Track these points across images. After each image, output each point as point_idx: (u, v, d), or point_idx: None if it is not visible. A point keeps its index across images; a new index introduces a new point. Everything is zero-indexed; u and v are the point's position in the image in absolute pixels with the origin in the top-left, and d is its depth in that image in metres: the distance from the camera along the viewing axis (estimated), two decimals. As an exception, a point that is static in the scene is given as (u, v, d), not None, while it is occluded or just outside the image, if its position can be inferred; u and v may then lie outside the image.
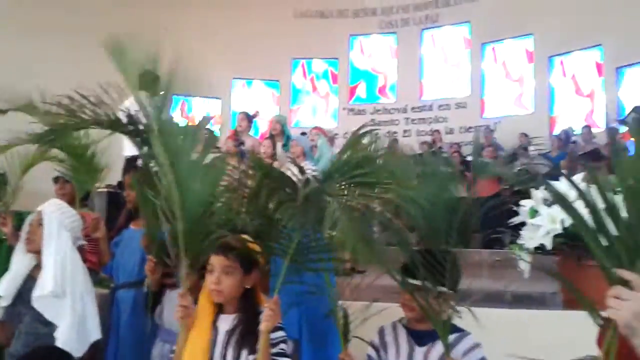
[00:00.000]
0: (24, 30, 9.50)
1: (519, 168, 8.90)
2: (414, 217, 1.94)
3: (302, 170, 2.03)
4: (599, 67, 10.40)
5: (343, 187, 1.98)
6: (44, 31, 9.59)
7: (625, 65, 9.88)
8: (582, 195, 1.30)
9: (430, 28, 12.48)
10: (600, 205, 1.29)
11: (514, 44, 11.63)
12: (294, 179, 2.05)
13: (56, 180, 3.69)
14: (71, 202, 3.17)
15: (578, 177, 2.80)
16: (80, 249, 2.81)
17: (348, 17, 12.68)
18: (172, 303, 2.45)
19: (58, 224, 2.64)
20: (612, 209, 1.25)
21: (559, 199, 1.45)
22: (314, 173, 5.04)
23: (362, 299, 2.41)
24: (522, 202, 2.85)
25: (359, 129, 2.10)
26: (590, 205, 1.29)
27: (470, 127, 11.60)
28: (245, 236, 2.11)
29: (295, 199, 1.90)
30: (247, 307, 2.01)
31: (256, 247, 2.08)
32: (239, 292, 2.01)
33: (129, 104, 2.99)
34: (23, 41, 9.42)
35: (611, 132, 8.73)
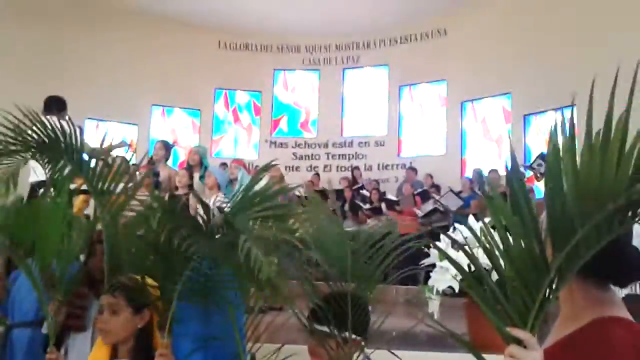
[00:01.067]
0: None
1: (432, 206, 9.26)
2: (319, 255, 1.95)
3: (204, 205, 1.98)
4: (507, 114, 11.09)
5: (253, 220, 1.95)
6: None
7: (532, 113, 10.60)
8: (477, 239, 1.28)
9: (351, 68, 12.87)
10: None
11: (429, 88, 12.22)
12: (200, 212, 1.99)
13: None
14: None
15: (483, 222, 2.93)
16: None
17: (272, 51, 12.83)
18: (79, 347, 2.30)
19: None
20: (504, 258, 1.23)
21: (460, 247, 1.47)
22: (224, 206, 4.97)
23: (277, 339, 2.34)
24: (432, 244, 2.93)
25: (267, 165, 2.11)
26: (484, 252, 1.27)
27: (387, 165, 11.96)
28: (147, 278, 2.03)
29: (201, 232, 1.84)
30: (137, 350, 1.92)
31: (151, 284, 2.01)
32: (129, 332, 1.92)
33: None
34: None
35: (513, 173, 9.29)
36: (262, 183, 6.08)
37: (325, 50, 12.85)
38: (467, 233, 2.98)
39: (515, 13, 10.47)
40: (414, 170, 10.96)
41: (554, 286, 1.17)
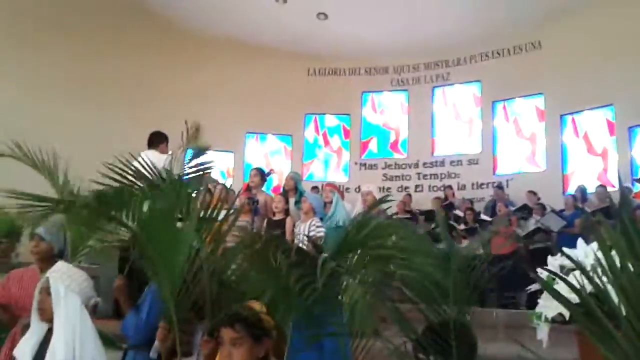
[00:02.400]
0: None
1: (534, 226, 8.83)
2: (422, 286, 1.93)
3: (318, 249, 2.01)
4: (610, 125, 10.42)
5: (355, 260, 1.96)
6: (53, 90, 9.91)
7: (637, 125, 9.90)
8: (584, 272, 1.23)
9: (441, 86, 12.68)
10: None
11: (524, 103, 11.75)
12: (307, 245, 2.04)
13: (32, 237, 3.59)
14: (44, 261, 3.28)
15: (594, 246, 2.75)
16: (95, 307, 2.81)
17: (360, 74, 12.96)
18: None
19: (65, 288, 2.63)
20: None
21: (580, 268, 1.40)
22: (319, 232, 5.01)
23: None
24: (539, 270, 2.78)
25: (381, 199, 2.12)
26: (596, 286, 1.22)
27: (482, 184, 11.59)
28: (255, 303, 2.08)
29: (314, 277, 1.87)
30: None
31: (266, 316, 2.05)
32: None
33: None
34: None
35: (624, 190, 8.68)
36: (357, 207, 6.13)
37: (413, 70, 12.78)
38: (577, 256, 2.82)
39: (612, 21, 9.89)
40: (500, 188, 10.57)
41: None
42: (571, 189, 10.15)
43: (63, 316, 2.54)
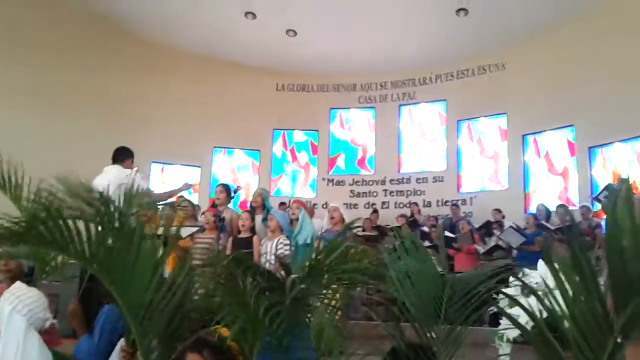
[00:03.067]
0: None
1: (493, 244, 9.00)
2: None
3: (287, 271, 2.01)
4: (571, 146, 10.75)
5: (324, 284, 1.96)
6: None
7: (597, 145, 10.24)
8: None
9: (407, 104, 12.90)
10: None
11: (488, 122, 12.04)
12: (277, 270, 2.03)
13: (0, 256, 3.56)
14: (14, 279, 3.25)
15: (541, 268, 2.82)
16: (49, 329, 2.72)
17: (328, 91, 13.07)
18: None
19: (10, 310, 2.57)
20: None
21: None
22: (287, 250, 5.00)
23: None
24: (502, 289, 2.84)
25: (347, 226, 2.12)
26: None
27: (447, 201, 11.77)
28: (222, 329, 2.06)
29: (283, 300, 1.87)
30: None
31: (232, 342, 2.03)
32: None
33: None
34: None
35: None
36: (323, 223, 6.14)
37: (380, 88, 12.98)
38: (537, 278, 2.89)
39: (574, 42, 10.24)
40: (457, 206, 10.87)
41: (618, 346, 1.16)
42: (532, 208, 10.40)
43: (7, 338, 2.48)
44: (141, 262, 2.34)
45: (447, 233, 9.53)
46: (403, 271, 2.18)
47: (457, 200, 11.52)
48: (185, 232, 5.14)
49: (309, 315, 1.99)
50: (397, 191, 12.47)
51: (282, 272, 2.03)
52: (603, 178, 9.96)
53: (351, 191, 12.66)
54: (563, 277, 1.24)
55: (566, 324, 1.23)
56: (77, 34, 10.63)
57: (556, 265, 1.24)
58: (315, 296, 1.81)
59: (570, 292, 1.21)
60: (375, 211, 11.58)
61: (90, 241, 2.16)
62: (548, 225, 8.56)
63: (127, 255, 2.26)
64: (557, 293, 1.36)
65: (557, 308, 1.31)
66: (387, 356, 2.06)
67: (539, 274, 2.88)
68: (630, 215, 1.15)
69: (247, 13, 10.69)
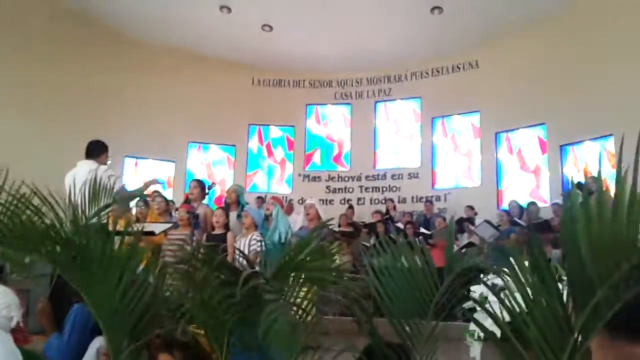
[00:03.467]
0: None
1: (467, 240, 9.12)
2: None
3: (251, 264, 2.00)
4: (542, 143, 10.94)
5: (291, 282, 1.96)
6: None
7: (568, 144, 10.44)
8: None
9: (383, 101, 12.96)
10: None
11: (462, 120, 12.17)
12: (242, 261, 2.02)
13: None
14: None
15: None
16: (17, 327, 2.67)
17: (304, 86, 13.05)
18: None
19: None
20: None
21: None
22: (258, 247, 4.97)
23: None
24: (472, 287, 2.88)
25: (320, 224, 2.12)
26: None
27: (422, 197, 11.88)
28: (193, 328, 2.05)
29: (234, 294, 1.86)
30: None
31: (204, 340, 2.02)
32: None
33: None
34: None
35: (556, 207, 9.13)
36: (299, 220, 6.14)
37: (356, 84, 13.00)
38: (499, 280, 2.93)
39: (547, 43, 10.42)
40: (431, 203, 11.00)
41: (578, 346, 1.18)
42: (505, 204, 10.57)
43: None
44: (108, 261, 2.30)
45: (422, 229, 9.63)
46: (390, 267, 2.18)
47: (432, 197, 11.62)
48: (159, 228, 5.09)
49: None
50: (372, 187, 12.53)
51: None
52: (574, 176, 10.16)
53: (327, 187, 12.68)
54: (522, 278, 1.25)
55: (527, 324, 1.25)
56: (47, 27, 10.36)
57: (515, 266, 1.26)
58: (271, 292, 1.80)
59: (530, 293, 1.22)
60: (350, 207, 11.62)
61: (56, 241, 2.12)
62: (521, 222, 8.70)
63: (93, 255, 2.22)
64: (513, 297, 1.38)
65: (517, 309, 1.32)
66: (362, 355, 2.07)
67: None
68: (586, 216, 1.16)
69: (222, 7, 10.60)
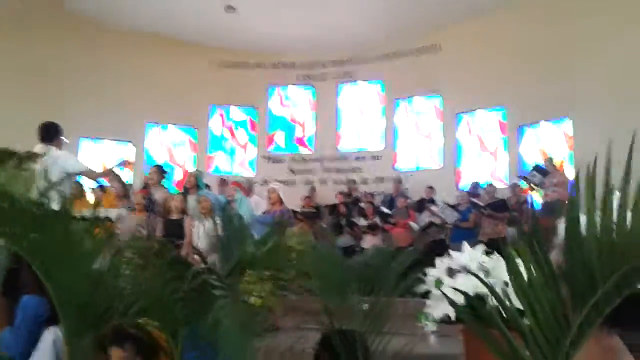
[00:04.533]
0: None
1: (428, 219, 9.26)
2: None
3: (204, 259, 1.97)
4: (502, 125, 11.14)
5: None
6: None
7: (525, 124, 10.66)
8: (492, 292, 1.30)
9: (346, 83, 12.92)
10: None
11: (424, 102, 12.26)
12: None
13: None
14: None
15: (479, 249, 2.92)
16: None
17: (266, 67, 12.88)
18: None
19: None
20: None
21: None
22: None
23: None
24: (427, 270, 2.92)
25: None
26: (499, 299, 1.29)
27: (383, 178, 11.97)
28: (145, 319, 2.01)
29: (181, 288, 1.83)
30: None
31: (158, 333, 1.98)
32: None
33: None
34: None
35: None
36: (260, 204, 6.09)
37: (319, 66, 12.91)
38: (462, 260, 2.97)
39: (508, 27, 10.55)
40: (399, 181, 10.97)
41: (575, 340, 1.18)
42: (462, 184, 10.75)
43: None
44: (69, 247, 2.23)
45: (383, 208, 9.72)
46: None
47: (393, 178, 11.72)
48: (115, 214, 4.97)
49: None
50: (335, 169, 12.55)
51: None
52: (531, 157, 10.41)
53: (290, 169, 12.64)
54: (525, 274, 1.23)
55: (525, 319, 1.23)
56: (1, 4, 9.93)
57: (517, 261, 1.25)
58: (219, 288, 1.78)
59: (530, 290, 1.21)
60: (313, 189, 11.63)
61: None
62: (479, 202, 8.87)
63: (56, 239, 2.15)
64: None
65: (512, 301, 1.31)
66: (318, 345, 2.08)
67: (464, 257, 2.98)
68: (591, 215, 1.16)
69: (183, -14, 10.32)
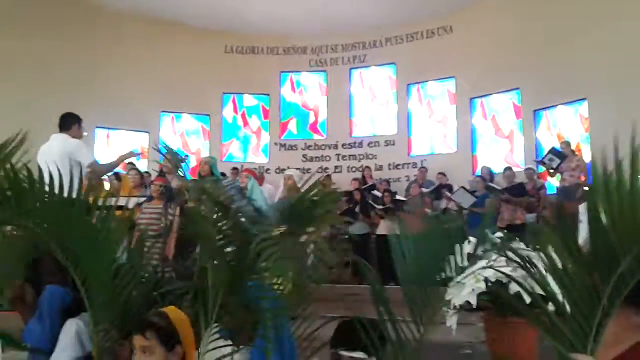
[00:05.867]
0: None
1: (443, 207, 9.20)
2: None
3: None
4: (517, 109, 11.00)
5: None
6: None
7: (541, 108, 10.52)
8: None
9: (358, 67, 12.82)
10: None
11: (437, 86, 12.14)
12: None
13: None
14: None
15: (498, 236, 2.90)
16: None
17: (279, 54, 12.82)
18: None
19: None
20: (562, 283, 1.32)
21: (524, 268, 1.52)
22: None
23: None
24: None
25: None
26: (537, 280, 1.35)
27: (398, 164, 11.92)
28: (171, 309, 2.02)
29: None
30: None
31: (181, 317, 1.99)
32: None
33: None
34: None
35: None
36: (279, 192, 6.08)
37: (331, 51, 12.82)
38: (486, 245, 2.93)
39: (520, 8, 10.37)
40: (424, 169, 10.88)
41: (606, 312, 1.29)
42: (479, 170, 10.66)
43: None
44: (102, 236, 2.25)
45: (398, 196, 9.67)
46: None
47: (409, 164, 11.67)
48: (132, 202, 5.00)
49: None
50: (349, 155, 12.50)
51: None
52: (547, 140, 10.29)
53: (304, 156, 12.61)
54: (556, 257, 1.33)
55: (559, 297, 1.35)
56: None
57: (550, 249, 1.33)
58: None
59: (563, 273, 1.30)
60: (328, 176, 11.60)
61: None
62: (495, 186, 8.78)
63: (88, 230, 2.17)
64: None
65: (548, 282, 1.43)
66: (335, 333, 2.08)
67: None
68: (606, 189, 1.22)
69: (193, -28, 10.27)
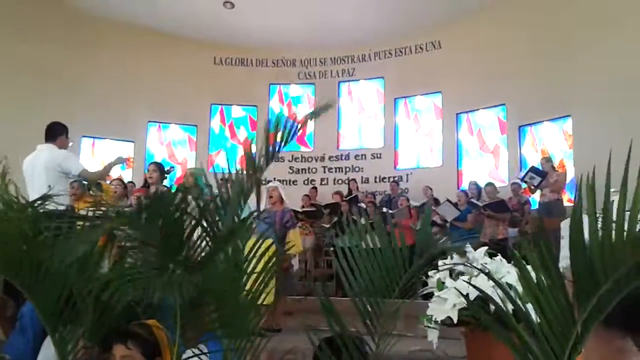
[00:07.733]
0: None
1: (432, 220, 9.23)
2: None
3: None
4: (502, 125, 11.12)
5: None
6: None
7: (526, 124, 10.65)
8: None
9: (346, 81, 12.91)
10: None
11: (424, 100, 12.25)
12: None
13: None
14: None
15: (481, 251, 2.93)
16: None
17: (268, 66, 12.87)
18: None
19: None
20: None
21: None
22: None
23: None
24: (430, 273, 2.92)
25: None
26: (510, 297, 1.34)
27: (384, 177, 11.97)
28: (152, 321, 2.01)
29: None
30: None
31: (161, 330, 1.99)
32: None
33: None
34: None
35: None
36: (263, 203, 6.07)
37: (320, 64, 12.90)
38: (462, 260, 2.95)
39: (508, 25, 10.52)
40: (396, 183, 11.08)
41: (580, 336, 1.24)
42: (465, 185, 10.74)
43: None
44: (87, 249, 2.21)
45: (385, 209, 9.71)
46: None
47: (395, 177, 11.72)
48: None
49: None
50: (335, 168, 12.54)
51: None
52: (532, 156, 10.40)
53: (290, 168, 12.62)
54: (533, 274, 1.30)
55: (533, 315, 1.30)
56: (1, 3, 9.93)
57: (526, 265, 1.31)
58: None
59: (538, 288, 1.28)
60: (314, 188, 11.63)
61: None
62: (477, 202, 8.86)
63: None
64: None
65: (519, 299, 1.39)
66: (322, 343, 2.06)
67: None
68: (593, 213, 1.20)
69: (182, -17, 10.31)
